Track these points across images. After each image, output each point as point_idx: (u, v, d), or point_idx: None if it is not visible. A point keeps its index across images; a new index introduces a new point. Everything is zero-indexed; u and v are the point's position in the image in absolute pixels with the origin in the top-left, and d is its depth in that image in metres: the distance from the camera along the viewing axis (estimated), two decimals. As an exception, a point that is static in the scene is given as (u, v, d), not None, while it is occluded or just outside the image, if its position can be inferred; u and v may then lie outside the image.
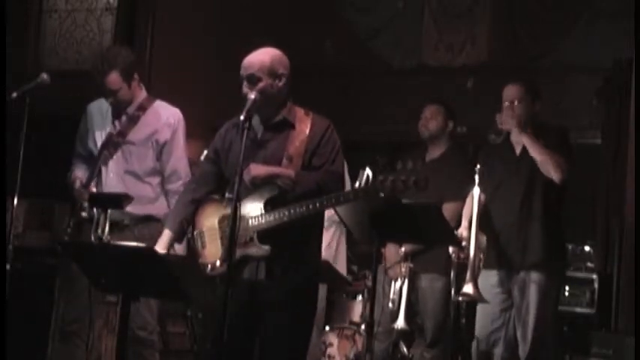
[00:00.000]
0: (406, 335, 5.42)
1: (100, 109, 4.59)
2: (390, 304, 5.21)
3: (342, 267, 5.37)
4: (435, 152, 5.38)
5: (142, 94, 4.56)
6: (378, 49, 8.03)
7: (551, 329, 4.73)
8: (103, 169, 4.48)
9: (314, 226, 3.74)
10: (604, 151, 6.51)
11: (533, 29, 7.52)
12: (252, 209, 3.63)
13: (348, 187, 4.05)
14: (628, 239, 5.57)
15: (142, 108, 4.52)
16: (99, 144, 4.52)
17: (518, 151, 4.69)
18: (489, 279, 4.67)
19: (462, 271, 4.67)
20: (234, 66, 3.79)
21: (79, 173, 4.53)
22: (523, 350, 4.60)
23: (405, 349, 5.56)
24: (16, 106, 4.34)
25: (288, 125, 3.72)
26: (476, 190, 4.60)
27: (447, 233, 4.25)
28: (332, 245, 5.24)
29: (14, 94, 4.34)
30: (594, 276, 6.18)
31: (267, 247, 3.60)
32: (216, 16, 7.62)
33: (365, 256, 5.45)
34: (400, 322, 5.11)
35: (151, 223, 4.43)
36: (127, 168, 4.47)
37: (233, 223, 3.37)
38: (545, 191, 4.61)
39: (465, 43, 7.74)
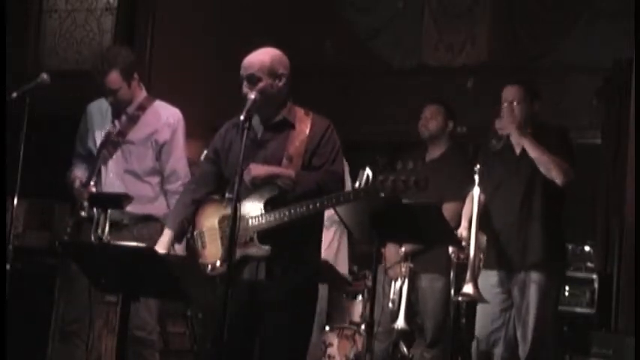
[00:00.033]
0: (406, 335, 5.42)
1: (100, 108, 4.59)
2: (390, 304, 5.21)
3: (343, 266, 5.37)
4: (435, 152, 5.39)
5: (142, 94, 4.56)
6: (378, 49, 8.02)
7: (551, 329, 4.73)
8: (103, 168, 4.48)
9: (314, 226, 3.74)
10: (604, 151, 6.51)
11: (533, 29, 7.52)
12: (252, 209, 3.63)
13: (348, 187, 4.05)
14: (628, 239, 5.57)
15: (142, 108, 4.53)
16: (98, 144, 4.52)
17: (518, 151, 4.68)
18: (489, 279, 4.67)
19: (462, 271, 4.67)
20: (234, 66, 3.79)
21: (79, 173, 4.53)
22: (523, 350, 4.60)
23: (405, 349, 5.56)
24: (16, 106, 4.34)
25: (288, 125, 3.72)
26: (476, 190, 4.60)
27: (447, 233, 4.24)
28: (333, 245, 5.23)
29: (14, 94, 4.34)
30: (594, 276, 6.18)
31: (267, 247, 3.60)
32: (216, 16, 7.62)
33: (365, 256, 5.45)
34: (400, 322, 5.11)
35: (150, 223, 4.43)
36: (126, 167, 4.47)
37: (233, 223, 3.37)
38: (545, 191, 4.61)
39: (465, 43, 7.74)
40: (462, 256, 4.67)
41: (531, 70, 7.10)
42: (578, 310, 6.13)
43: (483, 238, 4.64)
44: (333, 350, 5.71)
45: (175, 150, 4.52)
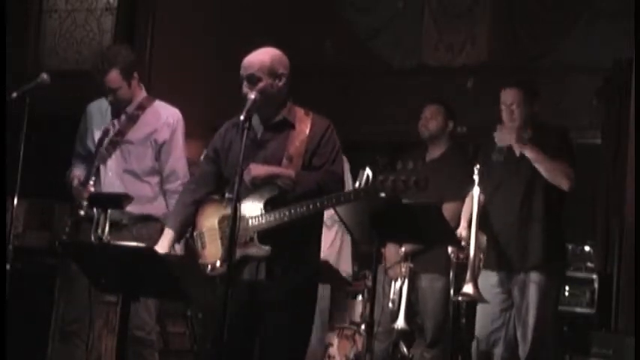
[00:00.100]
0: (406, 335, 5.42)
1: (99, 108, 4.59)
2: (390, 304, 5.21)
3: (347, 265, 5.37)
4: (435, 152, 5.38)
5: (142, 94, 4.56)
6: (378, 49, 8.02)
7: (551, 329, 4.73)
8: (102, 167, 4.48)
9: (314, 226, 3.74)
10: (604, 151, 6.51)
11: (533, 29, 7.52)
12: (252, 209, 3.62)
13: (349, 185, 4.05)
14: (628, 239, 5.57)
15: (142, 107, 4.53)
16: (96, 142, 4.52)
17: (518, 151, 4.68)
18: (489, 279, 4.67)
19: (462, 271, 4.67)
20: (234, 66, 3.79)
21: (78, 172, 4.53)
22: (523, 350, 4.60)
23: (405, 349, 5.56)
24: (16, 106, 4.34)
25: (288, 125, 3.72)
26: (475, 190, 4.60)
27: (447, 233, 4.24)
28: (335, 244, 5.24)
29: (14, 94, 4.34)
30: (594, 276, 6.18)
31: (267, 248, 3.60)
32: (216, 16, 7.62)
33: (365, 256, 5.45)
34: (400, 322, 5.11)
35: (149, 223, 4.43)
36: (125, 167, 4.47)
37: (233, 223, 3.37)
38: (545, 192, 4.61)
39: (465, 43, 7.74)
40: (461, 255, 4.67)
41: (531, 70, 7.10)
42: (578, 310, 6.13)
43: (483, 238, 4.64)
44: (333, 350, 5.72)
45: (175, 150, 4.52)
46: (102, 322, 5.12)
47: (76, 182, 4.45)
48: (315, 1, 8.10)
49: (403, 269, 5.19)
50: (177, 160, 4.53)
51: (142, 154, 4.48)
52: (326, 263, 4.74)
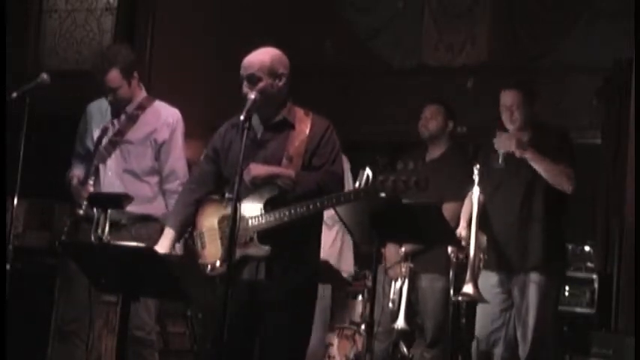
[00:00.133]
0: (406, 335, 5.42)
1: (99, 108, 4.59)
2: (390, 304, 5.21)
3: (348, 264, 5.38)
4: (435, 152, 5.38)
5: (142, 94, 4.56)
6: (378, 49, 8.02)
7: (551, 329, 4.73)
8: (102, 167, 4.47)
9: (314, 226, 3.74)
10: (604, 151, 6.51)
11: (533, 29, 7.52)
12: (252, 209, 3.62)
13: (349, 186, 4.05)
14: (628, 239, 5.57)
15: (141, 107, 4.52)
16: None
17: (519, 155, 4.67)
18: (489, 279, 4.67)
19: (462, 271, 4.67)
20: (234, 66, 3.79)
21: (77, 171, 4.53)
22: (523, 350, 4.60)
23: (405, 349, 5.56)
24: (16, 106, 4.34)
25: (288, 125, 3.72)
26: (475, 190, 4.60)
27: (447, 233, 4.25)
28: (336, 244, 5.24)
29: (14, 94, 4.34)
30: (594, 276, 6.18)
31: (267, 247, 3.60)
32: (216, 16, 7.62)
33: (365, 256, 5.45)
34: (400, 322, 5.11)
35: (148, 223, 4.42)
36: (125, 167, 4.47)
37: (233, 223, 3.37)
38: (545, 192, 4.61)
39: (465, 43, 7.74)
40: (461, 255, 4.67)
41: (531, 70, 7.11)
42: (578, 310, 6.13)
43: (483, 238, 4.64)
44: (333, 350, 5.72)
45: (174, 150, 4.51)
46: (102, 322, 5.12)
47: (75, 181, 4.45)
48: (315, 1, 8.10)
49: (403, 269, 5.19)
50: (177, 160, 4.53)
51: (142, 154, 4.48)
52: (326, 263, 4.74)
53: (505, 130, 4.73)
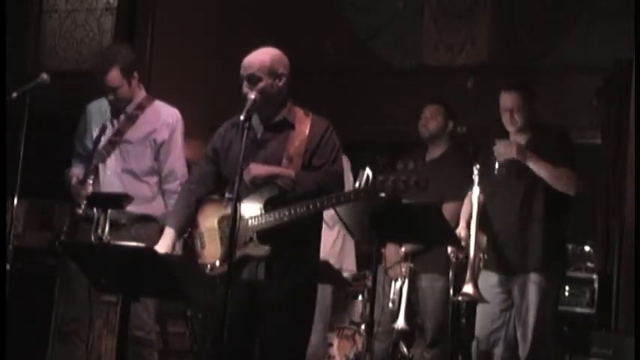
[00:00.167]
0: (406, 335, 5.42)
1: (99, 108, 4.59)
2: (390, 304, 5.21)
3: (350, 264, 5.38)
4: (435, 152, 5.38)
5: (142, 94, 4.56)
6: (378, 49, 8.02)
7: (551, 329, 4.72)
8: (101, 167, 4.47)
9: (314, 226, 3.74)
10: (604, 151, 6.51)
11: (533, 29, 7.52)
12: (252, 209, 3.63)
13: (349, 186, 4.05)
14: (628, 239, 5.57)
15: (141, 107, 4.52)
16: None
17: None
18: (489, 279, 4.67)
19: (462, 271, 4.67)
20: (234, 66, 3.79)
21: (77, 170, 4.53)
22: (523, 350, 4.60)
23: (405, 349, 5.56)
24: (16, 106, 4.34)
25: (288, 125, 3.72)
26: (475, 190, 4.60)
27: (447, 233, 4.25)
28: (337, 244, 5.24)
29: (14, 94, 4.34)
30: (594, 276, 6.18)
31: (266, 247, 3.60)
32: (216, 16, 7.62)
33: (365, 256, 5.45)
34: (400, 322, 5.11)
35: (148, 223, 4.43)
36: (124, 167, 4.47)
37: (233, 223, 3.37)
38: (545, 192, 4.60)
39: (465, 43, 7.74)
40: (460, 255, 4.67)
41: (531, 70, 7.11)
42: (578, 310, 6.13)
43: (483, 238, 4.64)
44: (333, 350, 5.72)
45: (174, 150, 4.51)
46: (102, 322, 5.12)
47: (74, 181, 4.45)
48: (315, 1, 8.11)
49: (403, 269, 5.19)
50: (176, 160, 4.53)
51: (141, 154, 4.48)
52: (326, 263, 4.74)
53: (504, 131, 4.73)
